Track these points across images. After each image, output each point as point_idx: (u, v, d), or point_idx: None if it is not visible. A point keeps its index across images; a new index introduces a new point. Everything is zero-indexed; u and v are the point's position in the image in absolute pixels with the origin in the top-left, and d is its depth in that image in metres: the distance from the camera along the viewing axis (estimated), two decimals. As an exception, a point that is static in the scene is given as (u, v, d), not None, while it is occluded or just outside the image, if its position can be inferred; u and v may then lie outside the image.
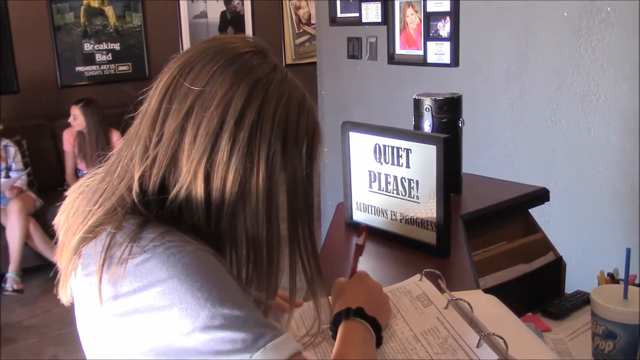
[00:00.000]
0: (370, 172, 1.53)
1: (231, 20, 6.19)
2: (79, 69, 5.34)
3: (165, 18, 5.72)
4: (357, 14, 3.67)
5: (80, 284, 0.83)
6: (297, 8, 6.63)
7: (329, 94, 4.06)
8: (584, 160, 2.69)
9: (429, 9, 3.23)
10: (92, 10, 5.34)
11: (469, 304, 1.05)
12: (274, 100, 0.85)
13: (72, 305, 0.90)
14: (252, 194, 0.83)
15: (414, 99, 1.75)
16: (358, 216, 1.59)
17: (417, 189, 1.42)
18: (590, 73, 2.63)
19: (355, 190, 1.58)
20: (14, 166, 4.37)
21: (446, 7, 3.15)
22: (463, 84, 3.09)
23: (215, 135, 0.82)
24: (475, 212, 1.64)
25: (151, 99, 0.87)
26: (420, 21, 3.30)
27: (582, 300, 1.58)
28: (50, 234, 4.31)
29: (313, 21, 6.37)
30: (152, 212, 0.83)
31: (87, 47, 5.35)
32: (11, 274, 4.17)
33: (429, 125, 1.72)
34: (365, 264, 1.51)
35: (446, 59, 3.20)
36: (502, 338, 0.92)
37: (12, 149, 4.37)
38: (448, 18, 3.15)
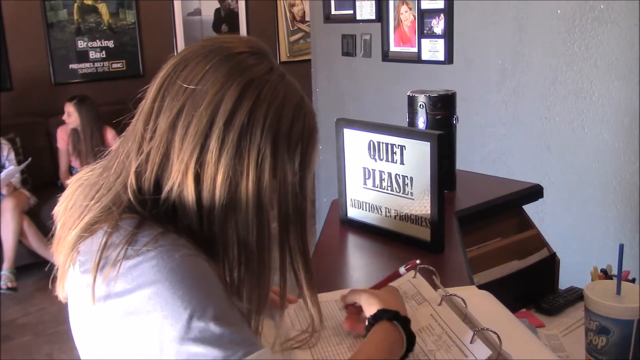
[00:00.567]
0: (364, 168, 1.53)
1: (225, 17, 6.18)
2: (73, 66, 5.32)
3: (159, 15, 5.71)
4: (351, 11, 3.67)
5: (76, 280, 0.83)
6: (292, 5, 6.63)
7: (323, 91, 4.06)
8: (577, 157, 2.70)
9: (423, 7, 3.23)
10: (86, 7, 5.32)
11: (463, 299, 1.05)
12: (267, 102, 0.83)
13: (67, 302, 0.90)
14: (242, 197, 0.82)
15: (408, 95, 1.76)
16: (352, 213, 1.59)
17: (412, 186, 1.42)
18: (583, 70, 2.63)
19: (349, 187, 1.58)
20: (7, 164, 4.35)
21: (440, 4, 3.15)
22: (457, 81, 3.10)
23: (204, 136, 0.81)
24: (469, 209, 1.64)
25: (147, 96, 0.87)
26: (415, 18, 3.30)
27: (576, 296, 1.58)
28: (44, 231, 4.32)
29: (307, 18, 6.37)
30: (148, 211, 0.82)
31: (81, 44, 5.34)
32: (5, 271, 4.16)
33: (423, 122, 1.72)
34: (360, 260, 1.52)
35: (440, 56, 3.20)
36: (495, 333, 0.93)
37: (6, 147, 4.36)
38: (442, 15, 3.15)
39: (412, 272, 1.18)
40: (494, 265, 1.57)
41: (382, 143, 1.46)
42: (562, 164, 2.76)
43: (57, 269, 0.88)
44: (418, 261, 1.09)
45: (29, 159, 4.48)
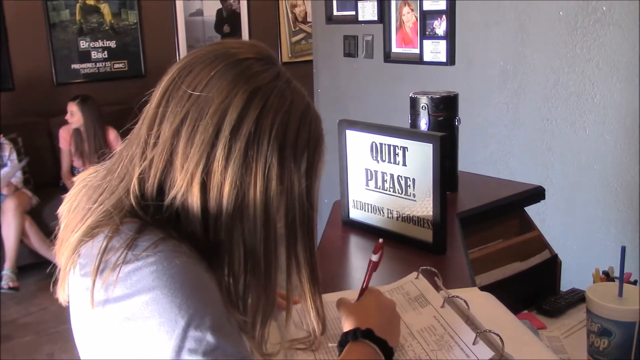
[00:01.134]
0: (367, 170, 1.53)
1: (227, 18, 6.18)
2: (75, 66, 5.33)
3: (161, 16, 5.71)
4: (353, 12, 3.68)
5: (77, 283, 0.83)
6: (293, 6, 6.63)
7: (325, 92, 4.06)
8: (579, 158, 2.70)
9: (425, 8, 3.24)
10: (88, 7, 5.33)
11: (465, 301, 1.05)
12: (273, 111, 0.82)
13: (69, 303, 0.90)
14: (250, 206, 0.81)
15: (411, 97, 1.76)
16: (355, 214, 1.59)
17: (414, 187, 1.42)
18: (585, 72, 2.64)
19: (352, 188, 1.59)
20: (9, 164, 4.36)
21: (442, 5, 3.16)
22: (459, 82, 3.10)
23: (210, 144, 0.80)
24: (471, 210, 1.64)
25: (151, 100, 0.86)
26: (417, 19, 3.31)
27: (578, 298, 1.59)
28: (45, 231, 4.33)
29: (309, 19, 6.37)
30: (150, 216, 0.82)
31: (83, 44, 5.34)
32: (7, 271, 4.17)
33: (426, 124, 1.73)
34: (361, 262, 1.51)
35: (442, 57, 3.20)
36: (498, 335, 0.93)
37: (7, 147, 4.37)
38: (444, 16, 3.16)
39: (414, 274, 1.18)
40: (495, 267, 1.58)
41: (385, 144, 1.47)
42: (564, 165, 2.76)
43: (59, 271, 0.88)
44: (381, 240, 1.05)
45: (27, 159, 4.48)
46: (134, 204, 0.82)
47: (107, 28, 5.45)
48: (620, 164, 2.56)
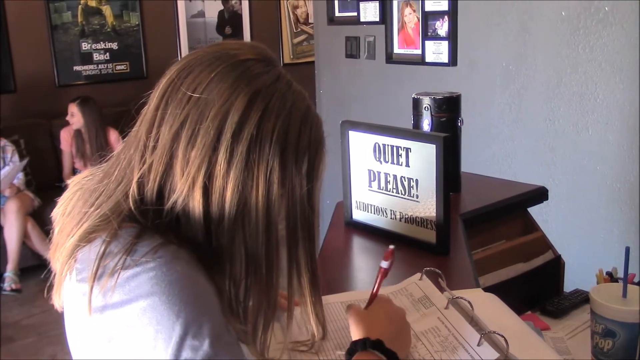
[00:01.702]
0: (369, 171, 1.53)
1: (229, 19, 6.18)
2: (77, 68, 5.33)
3: (162, 17, 5.72)
4: (355, 13, 3.67)
5: (73, 289, 0.81)
6: (295, 7, 6.63)
7: (327, 93, 4.06)
8: (582, 159, 2.70)
9: (427, 8, 3.24)
10: (90, 9, 5.34)
11: (469, 302, 1.05)
12: (275, 114, 0.81)
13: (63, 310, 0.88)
14: (252, 210, 0.80)
15: (413, 98, 1.75)
16: (358, 215, 1.59)
17: (417, 188, 1.42)
18: (588, 72, 2.63)
19: (354, 189, 1.58)
20: (10, 165, 4.36)
21: (444, 6, 3.15)
22: (461, 83, 3.10)
23: (212, 148, 0.79)
24: (474, 211, 1.64)
25: (150, 102, 0.85)
26: (419, 20, 3.31)
27: (581, 298, 1.58)
28: (47, 233, 4.30)
29: (311, 20, 6.38)
30: (150, 221, 0.80)
31: (85, 46, 5.35)
32: (9, 273, 4.17)
33: (428, 125, 1.72)
34: (364, 263, 1.52)
35: (444, 58, 3.20)
36: (502, 336, 0.93)
37: (9, 148, 4.37)
38: (446, 17, 3.16)
39: (418, 275, 1.18)
40: (499, 268, 1.57)
41: (388, 145, 1.46)
42: (566, 166, 2.76)
43: (54, 276, 0.86)
44: (392, 247, 1.02)
45: (28, 159, 4.49)
46: (133, 208, 0.81)
47: (109, 30, 5.45)
48: (623, 164, 2.56)
